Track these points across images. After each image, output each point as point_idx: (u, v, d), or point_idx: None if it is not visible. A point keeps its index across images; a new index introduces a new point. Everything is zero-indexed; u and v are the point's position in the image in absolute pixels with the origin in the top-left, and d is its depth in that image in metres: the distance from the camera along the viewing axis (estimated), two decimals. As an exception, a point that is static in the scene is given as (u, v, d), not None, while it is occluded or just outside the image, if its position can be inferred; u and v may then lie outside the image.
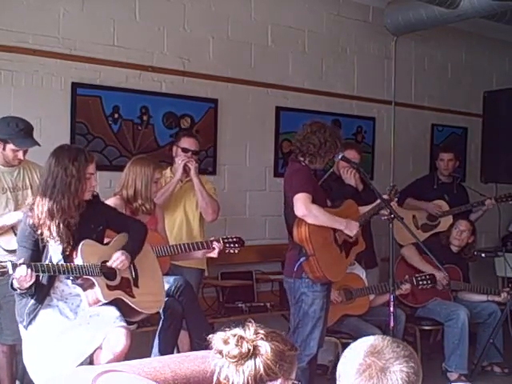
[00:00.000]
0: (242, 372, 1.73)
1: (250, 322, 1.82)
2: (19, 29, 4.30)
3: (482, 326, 5.06)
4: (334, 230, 3.83)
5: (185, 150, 4.47)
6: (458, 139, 7.05)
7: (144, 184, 3.85)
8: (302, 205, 3.68)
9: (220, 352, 1.76)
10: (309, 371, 3.87)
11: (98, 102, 4.68)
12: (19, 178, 3.75)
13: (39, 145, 3.68)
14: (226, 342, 1.76)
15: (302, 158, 3.90)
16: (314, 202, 3.75)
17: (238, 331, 1.78)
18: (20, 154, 3.67)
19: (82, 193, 3.14)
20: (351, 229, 3.79)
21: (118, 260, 3.20)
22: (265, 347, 1.75)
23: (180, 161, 4.39)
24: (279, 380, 1.77)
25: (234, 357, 1.74)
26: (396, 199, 4.26)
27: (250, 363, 1.74)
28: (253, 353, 1.74)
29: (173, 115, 5.02)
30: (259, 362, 1.74)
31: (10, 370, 3.77)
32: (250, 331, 1.78)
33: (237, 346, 1.74)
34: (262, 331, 1.79)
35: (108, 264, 3.19)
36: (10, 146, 3.65)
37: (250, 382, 1.73)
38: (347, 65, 6.08)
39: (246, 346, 1.74)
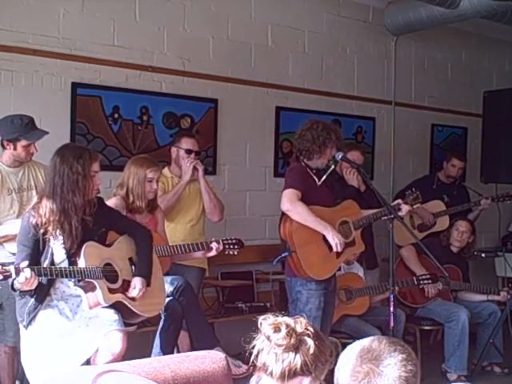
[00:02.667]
0: (282, 362, 1.76)
1: (301, 316, 1.85)
2: (19, 29, 4.30)
3: (482, 326, 5.06)
4: None
5: (188, 152, 4.46)
6: (458, 139, 7.05)
7: (135, 183, 3.88)
8: (287, 200, 3.73)
9: (268, 337, 1.78)
10: None
11: (98, 102, 4.68)
12: (24, 178, 3.74)
13: (48, 132, 3.70)
14: (276, 329, 1.78)
15: (301, 157, 3.92)
16: (308, 199, 3.77)
17: (290, 321, 1.81)
18: (32, 148, 3.68)
19: (89, 191, 3.16)
20: (333, 236, 3.74)
21: (137, 290, 3.25)
22: (309, 344, 1.78)
23: (188, 163, 4.38)
24: (309, 378, 1.79)
25: (280, 346, 1.76)
26: (417, 206, 4.20)
27: (290, 355, 1.76)
28: (297, 347, 1.77)
29: (173, 115, 5.02)
30: (299, 357, 1.77)
31: (12, 371, 3.76)
32: (300, 325, 1.81)
33: (287, 336, 1.77)
34: (311, 329, 1.82)
35: (128, 295, 3.23)
36: (21, 144, 3.64)
37: (285, 372, 1.75)
38: (347, 65, 6.08)
39: (294, 339, 1.77)
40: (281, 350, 1.76)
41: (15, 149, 3.65)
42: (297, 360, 1.76)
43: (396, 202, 4.02)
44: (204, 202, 4.46)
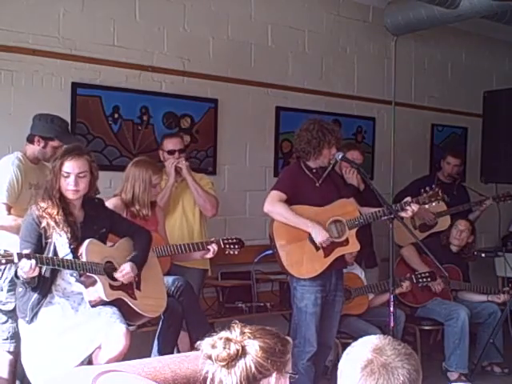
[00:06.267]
0: (234, 373, 1.73)
1: (235, 323, 1.83)
2: (19, 29, 4.30)
3: (482, 326, 5.06)
4: None
5: (171, 152, 4.45)
6: (458, 139, 7.05)
7: (142, 190, 3.87)
8: (268, 202, 3.83)
9: (209, 357, 1.77)
10: (314, 369, 3.86)
11: (98, 101, 4.68)
12: (40, 176, 3.77)
13: (79, 140, 3.84)
14: (213, 347, 1.77)
15: (300, 157, 3.94)
16: (300, 199, 3.82)
17: (224, 334, 1.79)
18: (59, 151, 3.71)
19: (58, 190, 3.17)
20: (317, 234, 3.77)
21: (124, 272, 3.24)
22: (253, 345, 1.76)
23: (170, 164, 4.37)
24: (274, 375, 1.77)
25: (224, 359, 1.74)
26: (432, 204, 4.15)
27: (240, 363, 1.74)
28: (242, 353, 1.75)
29: (173, 115, 5.02)
30: (249, 360, 1.74)
31: (12, 372, 3.75)
32: (235, 332, 1.79)
33: (224, 348, 1.75)
34: (247, 330, 1.80)
35: (115, 275, 3.22)
36: (53, 143, 3.71)
37: (243, 382, 1.73)
38: (347, 65, 6.08)
39: (233, 347, 1.75)
40: (225, 363, 1.73)
41: (44, 147, 3.73)
42: (249, 365, 1.73)
43: (406, 199, 3.95)
44: (195, 198, 4.45)
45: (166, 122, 4.99)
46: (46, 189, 3.19)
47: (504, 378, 4.98)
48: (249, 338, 1.77)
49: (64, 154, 3.18)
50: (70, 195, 3.20)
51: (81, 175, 3.18)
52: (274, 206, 3.79)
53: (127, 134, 4.82)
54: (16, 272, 2.99)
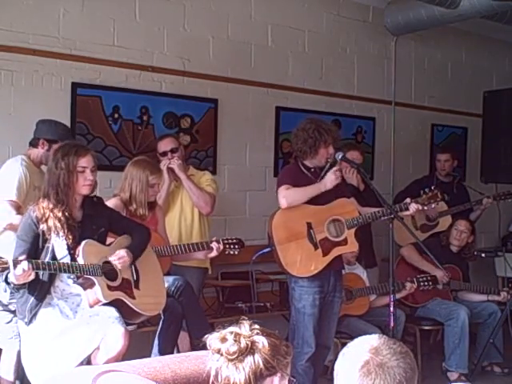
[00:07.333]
0: (243, 369, 1.73)
1: (243, 319, 1.83)
2: (19, 29, 4.30)
3: (482, 326, 5.06)
4: (309, 228, 3.84)
5: (163, 154, 4.46)
6: (457, 139, 7.06)
7: (139, 189, 3.87)
8: (280, 197, 3.80)
9: (218, 351, 1.75)
10: (313, 371, 3.86)
11: (98, 101, 4.68)
12: (42, 179, 3.78)
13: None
14: (223, 340, 1.76)
15: (298, 156, 3.95)
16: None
17: (234, 328, 1.79)
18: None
19: (74, 186, 3.16)
20: (326, 183, 3.80)
21: (119, 256, 3.22)
22: (262, 342, 1.76)
23: (162, 166, 4.36)
24: (278, 374, 1.77)
25: (234, 353, 1.73)
26: (432, 206, 4.16)
27: (249, 359, 1.73)
28: (251, 348, 1.74)
29: (173, 115, 5.02)
30: (258, 356, 1.74)
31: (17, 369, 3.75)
32: (245, 327, 1.79)
33: (235, 342, 1.74)
34: (256, 326, 1.80)
35: (109, 259, 3.20)
36: (55, 147, 3.70)
37: (251, 378, 1.72)
38: (347, 65, 6.08)
39: (243, 342, 1.74)
40: (235, 357, 1.73)
41: (48, 150, 3.78)
42: (258, 361, 1.73)
43: (405, 201, 3.99)
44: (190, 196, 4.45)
45: (166, 121, 4.99)
46: (57, 187, 3.14)
47: (504, 378, 4.99)
48: (257, 334, 1.77)
49: (76, 150, 3.18)
50: (85, 190, 3.21)
51: (93, 169, 3.23)
52: (287, 196, 3.77)
53: (127, 134, 4.82)
54: (6, 277, 2.96)
